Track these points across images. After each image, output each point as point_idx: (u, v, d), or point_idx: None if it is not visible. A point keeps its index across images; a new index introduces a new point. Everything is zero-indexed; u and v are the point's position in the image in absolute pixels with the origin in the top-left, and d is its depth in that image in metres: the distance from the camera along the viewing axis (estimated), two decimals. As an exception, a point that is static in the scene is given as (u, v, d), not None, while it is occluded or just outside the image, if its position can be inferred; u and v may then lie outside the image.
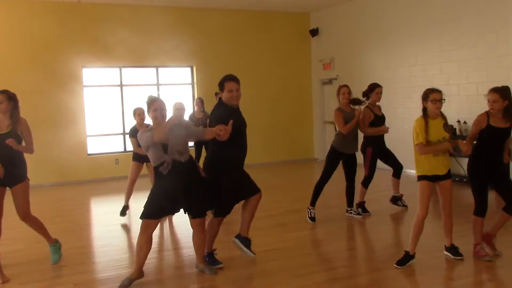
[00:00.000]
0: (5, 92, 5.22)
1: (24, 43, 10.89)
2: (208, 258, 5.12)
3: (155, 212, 4.69)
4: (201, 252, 5.00)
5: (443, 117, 5.04)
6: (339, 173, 7.03)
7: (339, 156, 6.86)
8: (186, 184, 4.67)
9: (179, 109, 7.41)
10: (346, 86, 6.96)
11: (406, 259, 5.01)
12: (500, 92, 4.96)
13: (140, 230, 4.70)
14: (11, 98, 5.20)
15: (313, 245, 6.02)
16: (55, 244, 5.56)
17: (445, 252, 5.23)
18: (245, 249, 5.11)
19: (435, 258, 5.18)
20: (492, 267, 5.03)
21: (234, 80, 4.98)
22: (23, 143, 5.23)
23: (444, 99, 4.93)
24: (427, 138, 4.88)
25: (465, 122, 9.39)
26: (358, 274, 4.95)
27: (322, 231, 6.59)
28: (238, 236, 5.18)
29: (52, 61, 11.11)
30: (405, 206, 7.42)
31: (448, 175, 5.05)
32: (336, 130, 6.94)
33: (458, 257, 5.14)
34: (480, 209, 5.15)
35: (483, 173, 5.11)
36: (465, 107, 9.41)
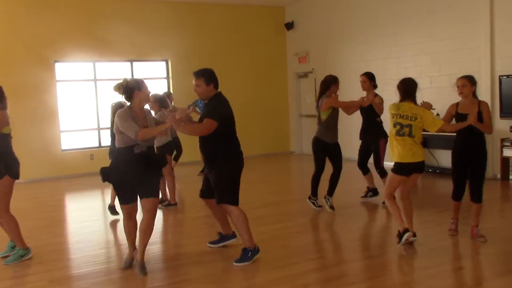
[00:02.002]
0: None
1: (-6, 37, 10.68)
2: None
3: None
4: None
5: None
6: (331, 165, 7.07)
7: (325, 145, 6.93)
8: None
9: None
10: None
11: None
12: (468, 77, 5.41)
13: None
14: None
15: (289, 237, 6.05)
16: (21, 250, 5.30)
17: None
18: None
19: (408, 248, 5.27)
20: (464, 256, 5.15)
21: (193, 75, 4.96)
22: None
23: None
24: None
25: (437, 114, 9.51)
26: (334, 265, 5.00)
27: (297, 224, 6.63)
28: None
29: (24, 55, 10.91)
30: None
31: None
32: (319, 121, 6.98)
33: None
34: (453, 193, 5.59)
35: (456, 159, 5.49)
36: (438, 99, 9.52)
